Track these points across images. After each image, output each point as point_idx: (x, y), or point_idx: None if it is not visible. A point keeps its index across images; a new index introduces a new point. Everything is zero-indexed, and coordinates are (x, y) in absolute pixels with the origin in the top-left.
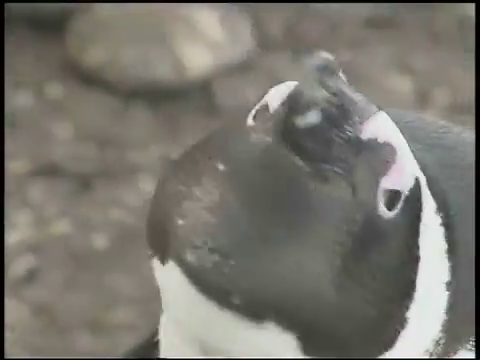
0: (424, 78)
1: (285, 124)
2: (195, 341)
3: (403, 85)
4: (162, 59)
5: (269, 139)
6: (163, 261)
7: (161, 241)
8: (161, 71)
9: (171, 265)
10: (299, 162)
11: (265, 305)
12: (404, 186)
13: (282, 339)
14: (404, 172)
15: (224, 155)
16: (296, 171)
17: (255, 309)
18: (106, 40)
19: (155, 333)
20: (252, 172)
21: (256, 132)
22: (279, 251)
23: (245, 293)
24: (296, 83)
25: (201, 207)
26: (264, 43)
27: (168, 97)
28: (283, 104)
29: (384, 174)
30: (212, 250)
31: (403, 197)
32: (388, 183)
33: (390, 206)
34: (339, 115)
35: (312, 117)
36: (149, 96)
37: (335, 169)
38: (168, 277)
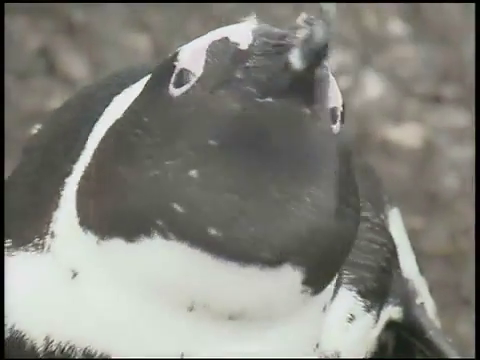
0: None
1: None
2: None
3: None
4: None
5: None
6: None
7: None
8: None
9: (173, 243)
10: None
11: (289, 249)
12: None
13: (290, 279)
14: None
15: (210, 129)
16: (299, 117)
17: (280, 256)
18: None
19: None
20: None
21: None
22: (293, 195)
23: (272, 244)
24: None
25: (206, 186)
26: None
27: None
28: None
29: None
30: (234, 219)
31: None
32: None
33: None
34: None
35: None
36: None
37: (321, 106)
38: (164, 254)
